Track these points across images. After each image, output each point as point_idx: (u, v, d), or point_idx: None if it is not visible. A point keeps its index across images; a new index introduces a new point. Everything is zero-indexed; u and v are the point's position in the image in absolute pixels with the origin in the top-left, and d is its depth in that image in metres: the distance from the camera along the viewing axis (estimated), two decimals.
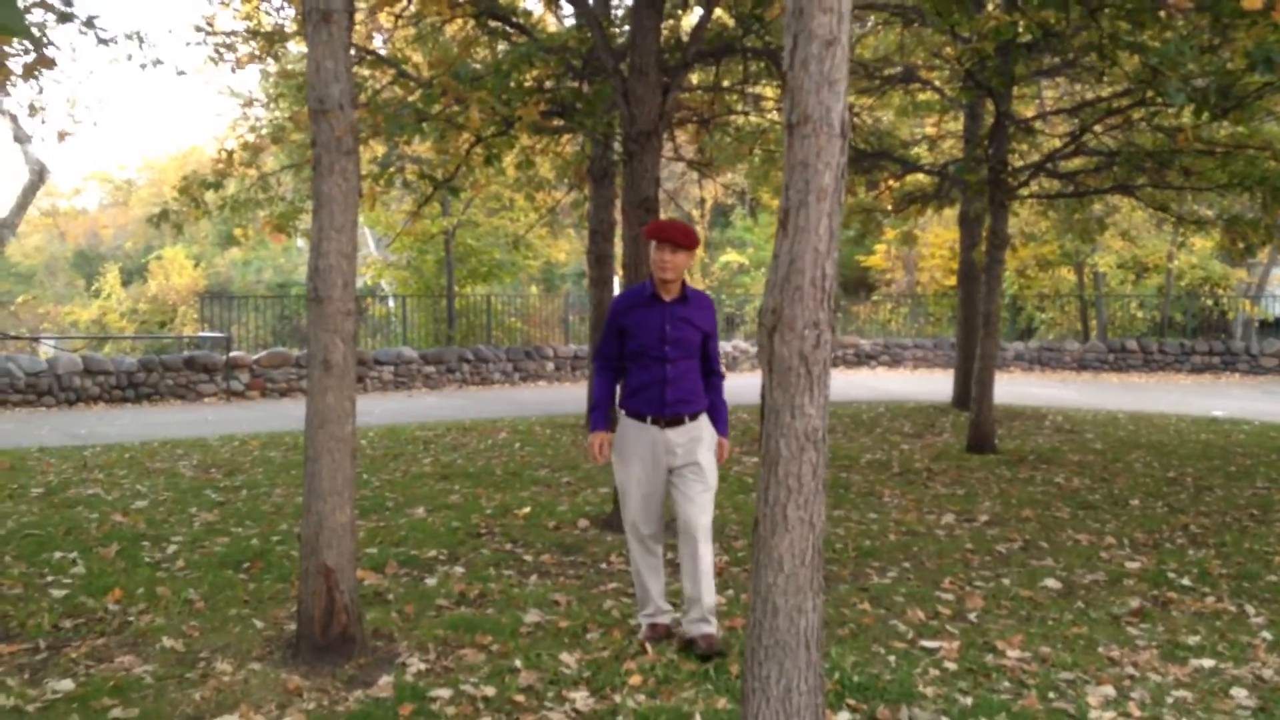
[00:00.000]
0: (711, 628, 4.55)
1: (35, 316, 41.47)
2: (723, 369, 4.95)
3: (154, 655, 4.46)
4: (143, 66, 17.82)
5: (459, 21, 11.02)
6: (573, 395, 17.03)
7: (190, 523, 7.17)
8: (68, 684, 4.10)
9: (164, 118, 77.66)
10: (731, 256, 27.34)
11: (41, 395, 14.52)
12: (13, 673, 4.29)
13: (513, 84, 8.58)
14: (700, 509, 4.58)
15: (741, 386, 19.22)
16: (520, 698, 4.01)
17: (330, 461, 4.33)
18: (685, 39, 8.05)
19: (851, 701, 4.00)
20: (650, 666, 4.34)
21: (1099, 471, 9.83)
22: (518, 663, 4.38)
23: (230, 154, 11.40)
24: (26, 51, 9.99)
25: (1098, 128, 11.85)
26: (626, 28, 8.75)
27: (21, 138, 16.47)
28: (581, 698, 4.01)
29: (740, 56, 8.43)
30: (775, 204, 19.72)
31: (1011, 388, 18.27)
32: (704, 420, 4.74)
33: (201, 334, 20.02)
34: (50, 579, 5.71)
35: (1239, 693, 4.24)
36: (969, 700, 4.07)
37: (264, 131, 13.80)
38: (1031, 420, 13.92)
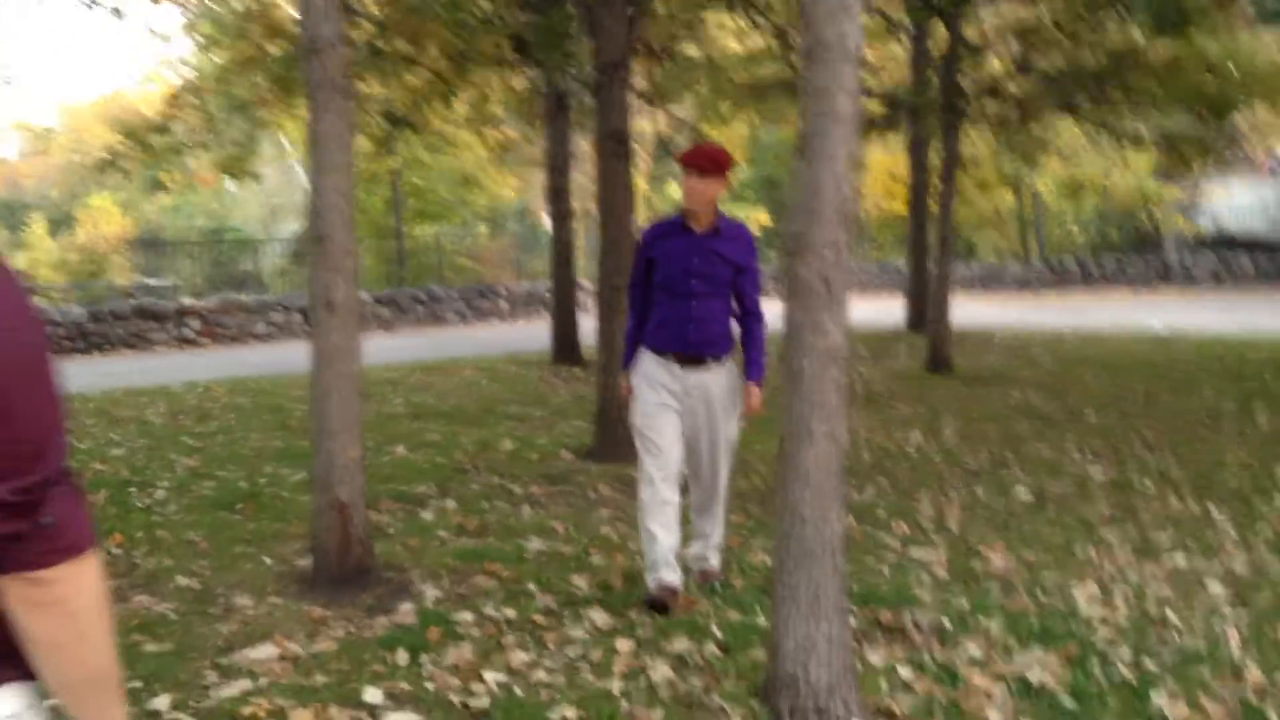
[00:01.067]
0: (714, 563, 4.56)
1: None
2: (762, 310, 4.51)
3: (170, 594, 4.54)
4: (89, 6, 17.14)
5: None
6: (529, 333, 17.08)
7: (172, 468, 7.18)
8: None
9: (80, 62, 75.14)
10: (677, 190, 27.35)
11: None
12: None
13: (468, 17, 8.53)
14: (719, 463, 4.44)
15: None
16: (539, 618, 4.15)
17: (339, 399, 4.40)
18: None
19: (854, 608, 4.18)
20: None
21: (1052, 387, 10.16)
22: (531, 586, 4.53)
23: (175, 96, 11.20)
24: None
25: (1042, 46, 12.01)
26: None
27: None
28: (599, 616, 4.17)
29: None
30: (715, 133, 19.71)
31: (957, 310, 18.56)
32: (729, 366, 4.43)
33: (146, 282, 19.72)
34: None
35: (1214, 586, 4.50)
36: (964, 602, 4.28)
37: (201, 72, 13.53)
38: (981, 341, 14.27)
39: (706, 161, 4.25)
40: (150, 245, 46.98)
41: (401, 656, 3.75)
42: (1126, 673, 3.54)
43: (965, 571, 4.75)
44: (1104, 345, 13.56)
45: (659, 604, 4.20)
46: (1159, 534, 5.29)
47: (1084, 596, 4.35)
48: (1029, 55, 11.44)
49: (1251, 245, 24.44)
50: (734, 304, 4.47)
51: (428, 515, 5.90)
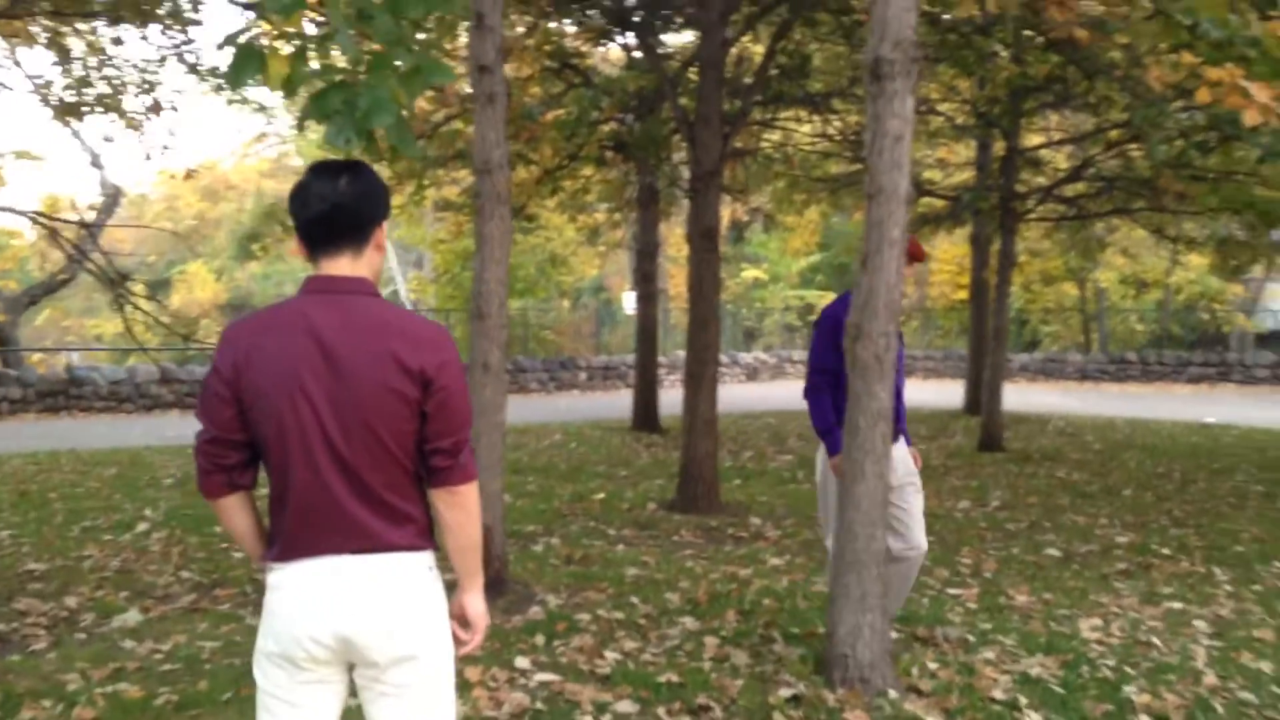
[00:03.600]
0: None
1: (59, 329, 42.69)
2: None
3: None
4: (224, 95, 18.05)
5: (521, 65, 12.20)
6: (607, 403, 18.24)
7: None
8: None
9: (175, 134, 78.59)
10: (752, 272, 28.59)
11: (121, 402, 15.75)
12: (238, 607, 5.50)
13: (582, 125, 9.81)
14: (923, 526, 4.73)
15: (763, 394, 20.43)
16: (643, 621, 5.22)
17: (488, 441, 5.54)
18: (745, 79, 9.27)
19: (896, 625, 5.18)
20: (740, 599, 5.54)
21: (1096, 467, 11.02)
22: (634, 599, 5.60)
23: None
24: (140, 93, 11.25)
25: (1098, 156, 13.04)
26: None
27: (97, 164, 17.75)
28: (689, 621, 5.22)
29: (788, 105, 9.67)
30: (789, 220, 20.83)
31: (1018, 396, 19.42)
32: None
33: None
34: (223, 546, 6.91)
35: (1200, 624, 5.42)
36: (988, 625, 5.26)
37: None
38: (1036, 425, 15.11)
39: (918, 252, 4.50)
40: (240, 309, 49.19)
41: (539, 640, 4.84)
42: (1109, 674, 4.51)
43: (993, 605, 5.71)
44: (1153, 433, 14.32)
45: None
46: (1165, 588, 6.20)
47: (1087, 626, 5.30)
48: (1084, 165, 12.44)
49: None
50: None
51: (538, 548, 6.99)
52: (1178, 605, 5.79)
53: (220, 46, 3.18)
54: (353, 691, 2.35)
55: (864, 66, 4.05)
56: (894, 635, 5.02)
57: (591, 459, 11.33)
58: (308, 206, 2.28)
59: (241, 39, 3.17)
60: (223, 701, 4.11)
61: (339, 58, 3.26)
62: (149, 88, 10.93)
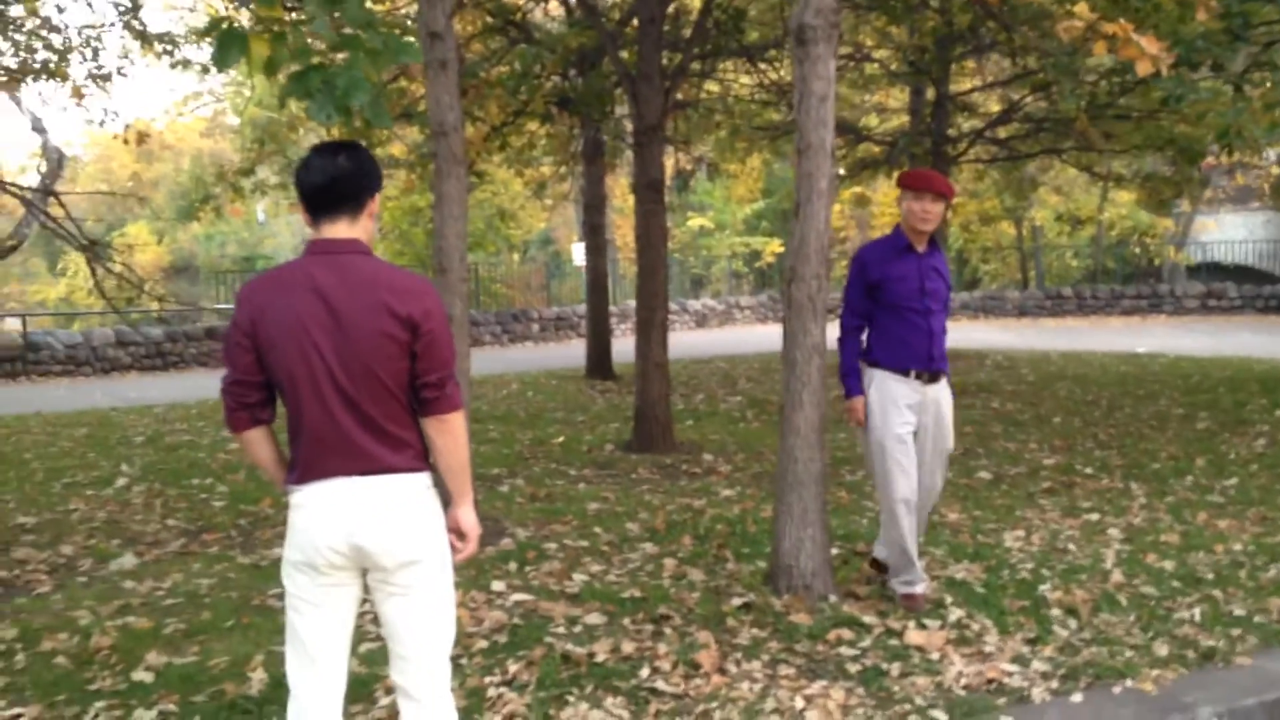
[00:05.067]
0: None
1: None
2: None
3: None
4: (170, 59, 17.44)
5: (463, 23, 12.39)
6: (561, 352, 18.61)
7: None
8: (275, 552, 5.67)
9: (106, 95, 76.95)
10: (699, 220, 28.93)
11: (80, 365, 15.88)
12: (227, 549, 5.87)
13: (526, 81, 10.10)
14: (943, 471, 4.87)
15: (713, 339, 20.89)
16: (605, 548, 5.66)
17: None
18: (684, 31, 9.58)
19: (839, 543, 5.66)
20: (695, 526, 6.00)
21: (1029, 398, 11.61)
22: (596, 529, 6.03)
23: (261, 143, 12.77)
24: (85, 60, 11.29)
25: (1027, 98, 13.50)
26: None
27: (39, 129, 17.59)
28: (649, 546, 5.67)
29: (725, 57, 10.01)
30: (733, 168, 21.19)
31: (958, 334, 19.89)
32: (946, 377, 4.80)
33: (218, 306, 21.21)
34: (203, 497, 7.25)
35: (1113, 532, 5.96)
36: (923, 539, 5.74)
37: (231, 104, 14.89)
38: (974, 359, 15.72)
39: (945, 188, 4.59)
40: (184, 271, 48.64)
41: (511, 566, 5.27)
42: (1027, 575, 5.02)
43: (928, 523, 6.20)
44: (1085, 364, 14.98)
45: (914, 611, 4.57)
46: (1084, 502, 6.74)
47: (1011, 537, 5.83)
48: (1012, 107, 12.90)
49: (1239, 274, 25.88)
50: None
51: (504, 489, 7.40)
52: (1095, 516, 6.33)
53: (204, 34, 3.50)
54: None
55: (790, 32, 4.43)
56: (835, 551, 5.51)
57: (549, 406, 11.72)
58: (311, 178, 2.66)
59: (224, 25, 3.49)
60: (227, 628, 4.50)
61: (313, 40, 3.59)
62: (94, 54, 11.01)
